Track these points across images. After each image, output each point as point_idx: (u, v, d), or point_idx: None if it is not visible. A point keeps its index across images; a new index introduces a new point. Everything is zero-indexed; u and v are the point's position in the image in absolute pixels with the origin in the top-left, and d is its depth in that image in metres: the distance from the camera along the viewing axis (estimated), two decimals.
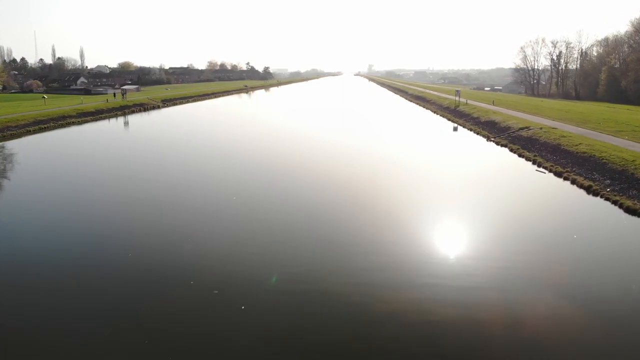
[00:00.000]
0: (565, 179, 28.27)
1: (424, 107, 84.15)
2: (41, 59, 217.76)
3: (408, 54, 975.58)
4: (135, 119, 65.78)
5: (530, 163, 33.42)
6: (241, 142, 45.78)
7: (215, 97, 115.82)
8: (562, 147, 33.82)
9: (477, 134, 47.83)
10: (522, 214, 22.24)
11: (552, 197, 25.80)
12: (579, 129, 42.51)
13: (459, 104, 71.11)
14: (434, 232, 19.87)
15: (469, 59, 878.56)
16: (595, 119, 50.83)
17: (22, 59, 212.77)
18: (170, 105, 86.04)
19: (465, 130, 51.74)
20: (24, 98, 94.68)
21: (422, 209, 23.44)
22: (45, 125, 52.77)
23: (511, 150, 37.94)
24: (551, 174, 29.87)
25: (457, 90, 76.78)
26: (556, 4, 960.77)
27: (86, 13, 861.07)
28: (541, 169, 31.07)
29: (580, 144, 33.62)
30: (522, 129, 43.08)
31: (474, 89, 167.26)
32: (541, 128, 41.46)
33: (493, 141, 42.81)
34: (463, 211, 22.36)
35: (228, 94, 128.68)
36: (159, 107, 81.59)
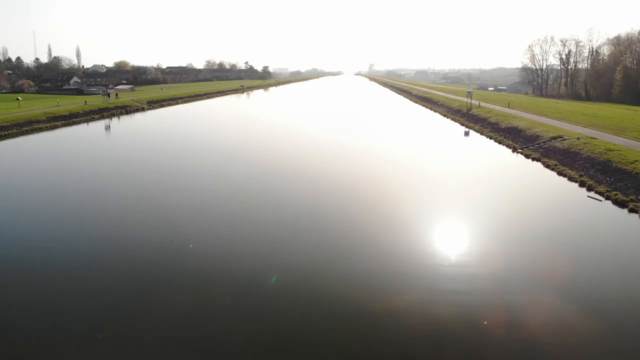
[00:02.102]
0: (633, 210, 21.82)
1: (431, 109, 77.59)
2: (37, 58, 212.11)
3: (409, 53, 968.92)
4: (112, 123, 59.21)
5: (575, 184, 27.01)
6: (229, 147, 40.91)
7: (208, 97, 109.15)
8: (614, 165, 27.40)
9: (499, 142, 41.33)
10: (589, 262, 15.92)
11: (624, 241, 19.33)
12: (620, 138, 36.16)
13: (471, 107, 64.68)
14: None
15: (470, 58, 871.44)
16: (631, 126, 44.47)
17: (18, 58, 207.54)
18: (156, 108, 79.38)
19: (484, 138, 45.24)
20: (7, 99, 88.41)
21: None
22: (6, 133, 46.36)
23: (547, 166, 31.46)
24: (609, 202, 23.48)
25: (469, 92, 70.07)
26: (558, 3, 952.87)
27: (86, 12, 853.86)
28: (595, 195, 24.63)
29: (636, 160, 27.24)
30: (554, 138, 36.65)
31: (477, 89, 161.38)
32: (578, 138, 35.04)
33: (521, 153, 36.35)
34: (506, 256, 16.07)
35: (222, 95, 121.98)
36: (143, 110, 74.97)
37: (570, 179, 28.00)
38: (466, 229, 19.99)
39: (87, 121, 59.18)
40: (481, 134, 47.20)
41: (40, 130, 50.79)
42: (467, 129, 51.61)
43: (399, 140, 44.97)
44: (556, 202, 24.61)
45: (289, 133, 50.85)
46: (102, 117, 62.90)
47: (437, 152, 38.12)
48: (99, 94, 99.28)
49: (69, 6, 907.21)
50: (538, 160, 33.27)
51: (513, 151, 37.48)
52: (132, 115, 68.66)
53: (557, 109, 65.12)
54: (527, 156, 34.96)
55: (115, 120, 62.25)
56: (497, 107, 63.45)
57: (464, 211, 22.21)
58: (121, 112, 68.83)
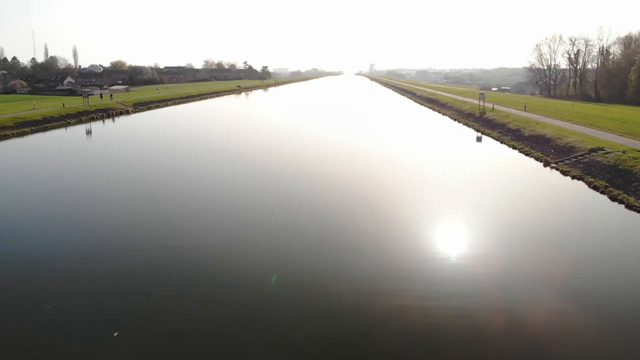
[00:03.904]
0: None
1: (439, 112, 71.91)
2: (33, 58, 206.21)
3: (409, 53, 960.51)
4: (89, 129, 53.39)
5: (637, 214, 21.41)
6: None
7: (202, 99, 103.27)
8: None
9: (527, 154, 35.63)
10: None
11: None
12: None
13: (484, 110, 59.06)
14: None
15: (471, 58, 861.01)
16: None
17: (14, 58, 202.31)
18: (142, 110, 73.53)
19: (505, 147, 39.60)
20: None
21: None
22: None
23: (594, 187, 25.74)
24: None
25: (482, 93, 64.27)
26: (561, 2, 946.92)
27: (87, 12, 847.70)
28: None
29: None
30: (593, 151, 31.05)
31: (480, 89, 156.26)
32: (624, 151, 29.42)
33: (555, 168, 30.67)
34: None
35: (217, 96, 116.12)
36: (127, 113, 69.14)
37: (630, 206, 22.30)
38: (512, 274, 14.42)
39: (62, 126, 53.56)
40: (501, 142, 41.55)
41: (6, 137, 45.25)
42: (484, 136, 45.91)
43: (408, 147, 39.45)
44: (620, 242, 18.96)
45: (284, 142, 45.16)
46: (80, 122, 57.15)
47: (456, 164, 32.49)
48: (92, 94, 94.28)
49: (69, 6, 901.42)
50: (580, 178, 27.63)
51: (545, 165, 31.82)
52: (114, 119, 62.91)
53: (578, 112, 59.55)
54: (564, 173, 29.28)
55: (93, 125, 56.45)
56: (513, 111, 57.87)
57: (503, 244, 16.62)
58: (102, 115, 63.13)
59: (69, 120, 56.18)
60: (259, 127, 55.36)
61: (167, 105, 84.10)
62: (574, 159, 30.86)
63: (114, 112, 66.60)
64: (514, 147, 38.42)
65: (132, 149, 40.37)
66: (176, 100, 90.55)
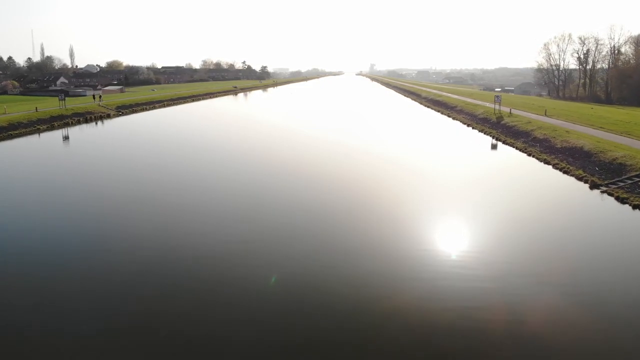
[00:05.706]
0: None
1: (448, 115, 66.08)
2: (29, 58, 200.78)
3: (410, 53, 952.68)
4: (58, 136, 47.56)
5: None
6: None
7: (194, 100, 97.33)
8: None
9: (565, 172, 29.74)
10: None
11: None
12: None
13: (501, 115, 53.26)
14: None
15: (472, 58, 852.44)
16: None
17: (9, 58, 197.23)
18: (126, 114, 67.53)
19: (535, 161, 33.74)
20: None
21: None
22: None
23: None
24: None
25: (497, 96, 58.00)
26: (561, 3, 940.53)
27: (86, 11, 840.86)
28: None
29: None
30: None
31: (483, 89, 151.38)
32: None
33: (607, 192, 24.76)
34: None
35: (211, 97, 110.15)
36: (109, 117, 63.19)
37: None
38: None
39: (30, 133, 47.76)
40: (529, 154, 35.70)
41: None
42: (507, 147, 39.89)
43: (418, 152, 33.78)
44: None
45: (283, 144, 39.35)
46: (52, 128, 51.22)
47: (481, 179, 26.75)
48: (85, 95, 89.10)
49: (69, 5, 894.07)
50: None
51: (592, 188, 26.01)
52: (91, 124, 56.91)
53: (604, 117, 53.68)
54: (621, 200, 23.41)
55: (67, 131, 50.54)
56: (533, 116, 52.15)
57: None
58: (79, 120, 57.15)
59: (38, 127, 50.22)
60: (255, 128, 51.05)
61: (154, 107, 78.15)
62: (630, 181, 25.09)
63: (93, 116, 60.67)
64: (547, 162, 32.54)
65: (107, 158, 34.62)
66: (165, 103, 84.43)
